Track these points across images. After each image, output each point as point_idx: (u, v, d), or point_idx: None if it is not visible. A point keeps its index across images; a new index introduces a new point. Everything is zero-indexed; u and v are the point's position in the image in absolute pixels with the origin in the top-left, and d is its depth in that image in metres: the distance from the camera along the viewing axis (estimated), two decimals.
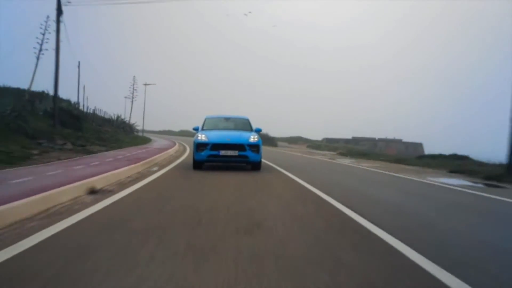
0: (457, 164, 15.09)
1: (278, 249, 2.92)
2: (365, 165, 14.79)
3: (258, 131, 10.56)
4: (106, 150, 14.58)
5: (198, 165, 9.51)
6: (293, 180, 8.06)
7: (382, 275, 2.49)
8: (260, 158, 9.74)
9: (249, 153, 9.32)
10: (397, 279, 2.45)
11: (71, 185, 5.07)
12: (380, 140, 48.32)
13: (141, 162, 9.44)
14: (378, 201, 5.95)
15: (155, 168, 9.32)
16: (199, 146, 9.32)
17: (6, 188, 4.84)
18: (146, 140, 32.37)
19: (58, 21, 10.31)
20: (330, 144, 49.75)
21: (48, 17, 24.86)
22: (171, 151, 16.91)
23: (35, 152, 10.50)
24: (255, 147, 9.45)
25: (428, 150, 26.22)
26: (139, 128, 51.41)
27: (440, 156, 20.92)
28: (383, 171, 12.08)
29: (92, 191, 5.21)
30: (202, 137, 9.44)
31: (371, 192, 6.81)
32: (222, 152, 9.19)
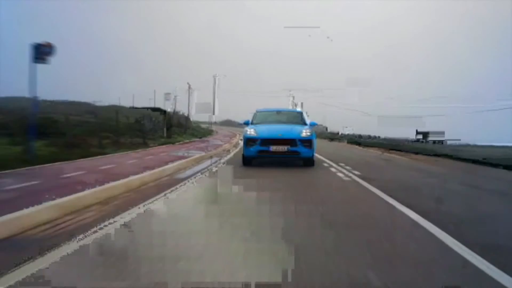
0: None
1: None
2: None
3: (313, 125, 10.33)
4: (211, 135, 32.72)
5: (247, 161, 9.47)
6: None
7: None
8: (313, 153, 9.57)
9: (301, 149, 9.07)
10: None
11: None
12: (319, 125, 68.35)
13: (235, 137, 27.06)
14: None
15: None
16: (248, 141, 9.30)
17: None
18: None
19: (189, 92, 28.30)
20: None
21: (175, 87, 49.26)
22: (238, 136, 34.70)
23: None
24: (307, 142, 9.18)
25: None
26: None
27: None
28: None
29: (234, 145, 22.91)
30: (251, 131, 9.40)
31: None
32: (273, 148, 9.00)
